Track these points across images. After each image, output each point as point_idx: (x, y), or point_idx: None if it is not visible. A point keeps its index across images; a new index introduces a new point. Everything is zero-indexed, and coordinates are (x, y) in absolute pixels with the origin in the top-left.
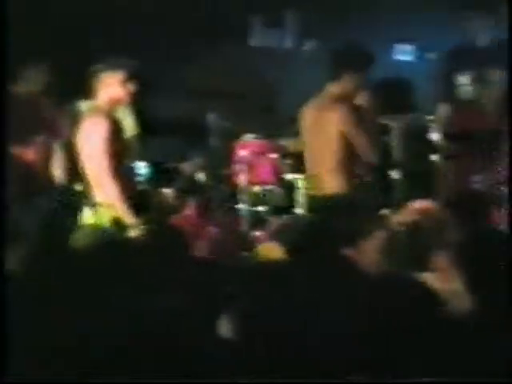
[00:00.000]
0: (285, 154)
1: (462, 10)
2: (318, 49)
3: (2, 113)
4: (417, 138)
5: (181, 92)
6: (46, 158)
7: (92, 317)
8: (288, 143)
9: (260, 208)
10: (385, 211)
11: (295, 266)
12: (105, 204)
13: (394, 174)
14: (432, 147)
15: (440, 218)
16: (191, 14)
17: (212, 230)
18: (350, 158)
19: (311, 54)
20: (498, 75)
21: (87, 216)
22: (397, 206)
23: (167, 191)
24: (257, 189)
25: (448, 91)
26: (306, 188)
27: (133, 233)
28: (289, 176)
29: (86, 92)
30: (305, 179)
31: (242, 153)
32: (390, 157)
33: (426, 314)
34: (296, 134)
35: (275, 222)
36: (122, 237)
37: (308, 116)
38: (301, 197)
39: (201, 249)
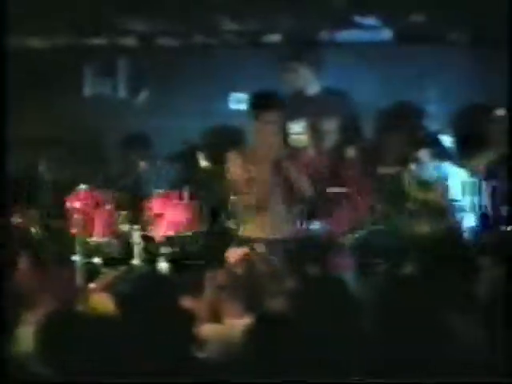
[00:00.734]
0: (119, 205)
1: (289, 62)
2: (152, 98)
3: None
4: None
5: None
6: None
7: None
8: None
9: (95, 260)
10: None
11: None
12: None
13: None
14: None
15: (267, 265)
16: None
17: (47, 283)
18: None
19: (145, 104)
20: (330, 124)
21: None
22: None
23: None
24: (92, 240)
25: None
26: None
27: None
28: (124, 227)
29: None
30: None
31: (76, 204)
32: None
33: None
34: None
35: (109, 273)
36: None
37: None
38: (136, 247)
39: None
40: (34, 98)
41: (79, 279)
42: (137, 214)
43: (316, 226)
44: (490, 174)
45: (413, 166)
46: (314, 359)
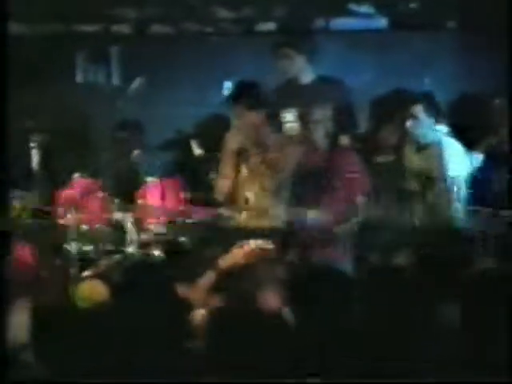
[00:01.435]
0: (112, 193)
1: (283, 48)
2: (145, 86)
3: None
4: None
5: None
6: None
7: None
8: None
9: (88, 247)
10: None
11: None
12: None
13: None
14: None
15: (269, 256)
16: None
17: (41, 271)
18: None
19: (138, 92)
20: (322, 113)
21: None
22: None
23: None
24: (84, 228)
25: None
26: None
27: None
28: (117, 215)
29: None
30: None
31: (69, 192)
32: None
33: None
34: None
35: (103, 261)
36: None
37: None
38: (129, 236)
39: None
40: (26, 85)
41: (72, 267)
42: (129, 202)
43: (310, 215)
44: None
45: (409, 123)
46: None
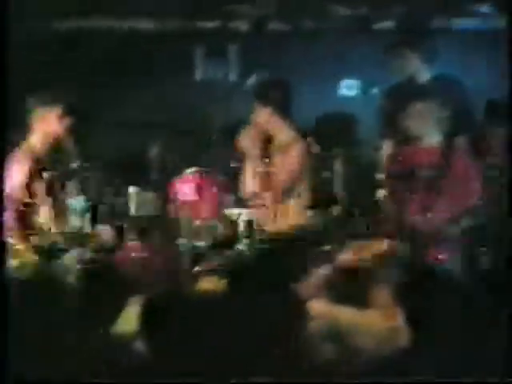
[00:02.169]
0: (226, 189)
1: (399, 47)
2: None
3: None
4: (361, 173)
5: (122, 125)
6: None
7: None
8: None
9: (201, 243)
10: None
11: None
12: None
13: (335, 210)
14: (376, 184)
15: (388, 256)
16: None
17: (154, 265)
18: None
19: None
20: (441, 112)
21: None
22: (339, 242)
23: (104, 228)
24: (198, 224)
25: (392, 127)
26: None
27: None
28: (230, 211)
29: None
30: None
31: (183, 187)
32: (332, 192)
33: None
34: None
35: (216, 257)
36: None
37: None
38: (243, 231)
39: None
40: (146, 81)
41: (184, 262)
42: (242, 198)
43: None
44: None
45: None
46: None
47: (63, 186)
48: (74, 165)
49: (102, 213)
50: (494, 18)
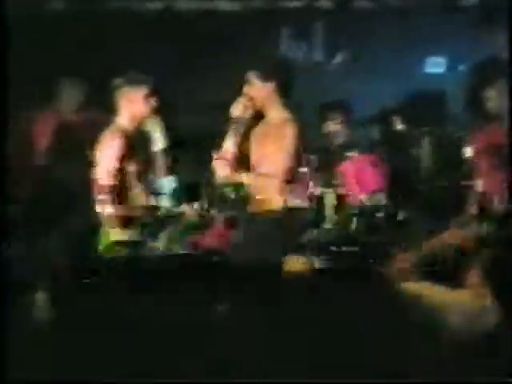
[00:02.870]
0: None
1: (488, 24)
2: (348, 61)
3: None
4: (448, 151)
5: (205, 107)
6: None
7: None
8: None
9: None
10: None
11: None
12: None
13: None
14: (463, 162)
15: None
16: (220, 26)
17: None
18: None
19: (340, 67)
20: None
21: (114, 233)
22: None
23: (194, 207)
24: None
25: (478, 104)
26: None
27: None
28: (317, 190)
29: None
30: None
31: None
32: (420, 170)
33: None
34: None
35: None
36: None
37: None
38: (328, 211)
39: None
40: (229, 62)
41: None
42: (330, 178)
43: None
44: None
45: None
46: None
47: (152, 167)
48: (161, 145)
49: (190, 194)
50: None
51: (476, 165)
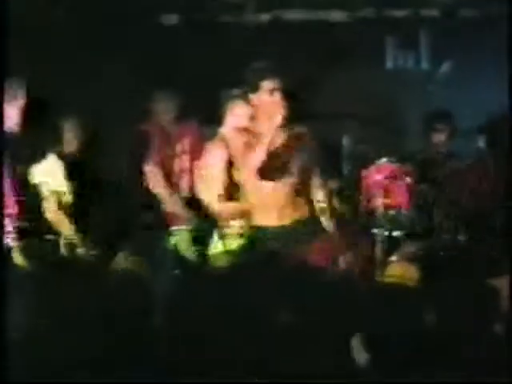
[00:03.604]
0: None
1: None
2: (454, 70)
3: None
4: None
5: (315, 115)
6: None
7: None
8: None
9: (395, 232)
10: None
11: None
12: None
13: None
14: None
15: None
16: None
17: (347, 254)
18: None
19: (446, 76)
20: None
21: (216, 245)
22: None
23: None
24: (392, 213)
25: None
26: None
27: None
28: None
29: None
30: None
31: (377, 177)
32: None
33: None
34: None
35: (410, 246)
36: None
37: None
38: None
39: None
40: (336, 71)
41: (378, 251)
42: (436, 189)
43: None
44: None
45: None
46: None
47: None
48: None
49: None
50: None
51: None
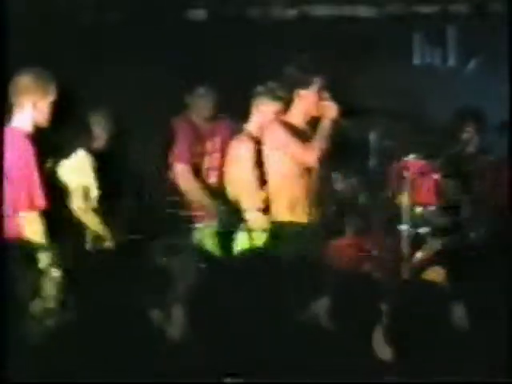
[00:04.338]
0: (447, 175)
1: None
2: (482, 67)
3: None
4: None
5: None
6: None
7: None
8: None
9: (422, 229)
10: None
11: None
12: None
13: None
14: None
15: None
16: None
17: (373, 251)
18: None
19: (475, 72)
20: None
21: (242, 240)
22: None
23: None
24: (419, 210)
25: None
26: None
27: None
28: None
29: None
30: None
31: (405, 173)
32: None
33: None
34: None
35: (436, 243)
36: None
37: None
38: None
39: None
40: (365, 67)
41: (405, 248)
42: (465, 184)
43: None
44: None
45: None
46: None
47: None
48: None
49: None
50: None
51: None
